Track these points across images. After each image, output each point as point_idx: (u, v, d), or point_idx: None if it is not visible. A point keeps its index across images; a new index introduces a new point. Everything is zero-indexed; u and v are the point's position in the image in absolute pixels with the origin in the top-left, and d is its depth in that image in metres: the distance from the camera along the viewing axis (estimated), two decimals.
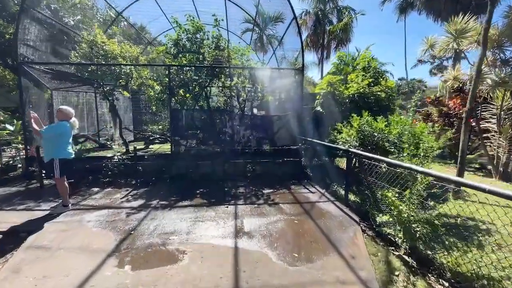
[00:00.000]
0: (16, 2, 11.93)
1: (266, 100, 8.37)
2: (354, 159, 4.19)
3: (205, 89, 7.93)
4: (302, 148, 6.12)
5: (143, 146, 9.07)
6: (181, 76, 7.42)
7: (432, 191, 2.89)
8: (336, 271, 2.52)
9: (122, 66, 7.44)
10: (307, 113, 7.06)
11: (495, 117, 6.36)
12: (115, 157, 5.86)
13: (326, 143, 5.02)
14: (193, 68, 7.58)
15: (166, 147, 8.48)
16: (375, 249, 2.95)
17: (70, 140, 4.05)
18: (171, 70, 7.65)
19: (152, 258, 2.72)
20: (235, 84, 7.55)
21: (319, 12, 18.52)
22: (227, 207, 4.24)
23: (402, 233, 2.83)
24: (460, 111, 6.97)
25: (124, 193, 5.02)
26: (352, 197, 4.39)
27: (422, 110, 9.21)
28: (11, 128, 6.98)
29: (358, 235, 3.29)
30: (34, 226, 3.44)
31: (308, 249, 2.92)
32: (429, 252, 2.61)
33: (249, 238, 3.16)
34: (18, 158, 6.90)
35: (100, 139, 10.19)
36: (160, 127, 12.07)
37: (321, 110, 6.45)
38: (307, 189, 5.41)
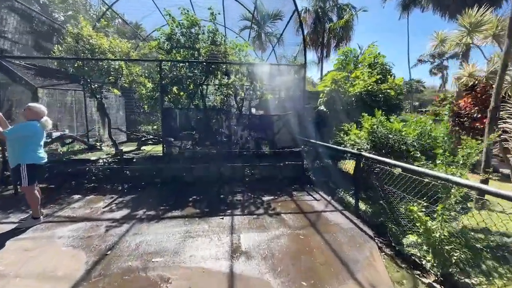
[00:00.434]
0: None
1: (265, 99, 7.88)
2: (365, 164, 3.71)
3: (201, 87, 7.44)
4: (304, 151, 5.65)
5: (134, 148, 8.54)
6: (175, 73, 6.91)
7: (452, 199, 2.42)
8: None
9: (110, 61, 6.92)
10: (309, 112, 6.59)
11: None
12: (100, 160, 5.34)
13: (332, 146, 4.55)
14: (187, 64, 7.09)
15: (159, 149, 7.96)
16: (398, 274, 2.47)
17: (42, 143, 3.53)
18: (164, 67, 7.16)
19: None
20: (233, 82, 7.06)
21: (319, 10, 18.08)
22: (222, 218, 3.75)
23: (431, 255, 2.35)
24: (472, 111, 6.54)
25: (107, 201, 4.50)
26: (363, 206, 3.91)
27: (429, 110, 8.77)
28: None
29: (375, 254, 2.82)
30: None
31: (318, 275, 2.43)
32: (468, 281, 2.13)
33: (247, 260, 2.67)
34: None
35: (90, 140, 9.65)
36: (155, 127, 11.55)
37: (324, 109, 5.99)
38: (311, 195, 4.93)
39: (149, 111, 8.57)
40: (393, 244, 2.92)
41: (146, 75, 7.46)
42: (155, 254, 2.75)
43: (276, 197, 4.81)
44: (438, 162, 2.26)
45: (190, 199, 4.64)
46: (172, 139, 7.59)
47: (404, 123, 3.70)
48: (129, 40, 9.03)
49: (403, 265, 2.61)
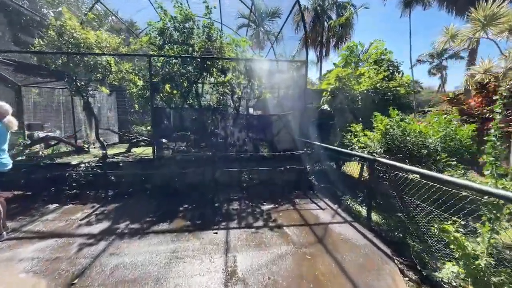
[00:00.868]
0: None
1: (264, 98, 7.42)
2: (379, 171, 3.26)
3: (195, 85, 6.97)
4: (306, 154, 5.20)
5: (124, 150, 8.02)
6: (166, 70, 6.42)
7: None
8: None
9: (97, 57, 6.41)
10: (311, 112, 6.13)
11: None
12: (82, 165, 4.82)
13: (340, 149, 4.09)
14: (180, 60, 6.62)
15: (151, 151, 7.46)
16: None
17: (5, 146, 3.03)
18: (155, 63, 6.69)
19: None
20: (229, 80, 6.60)
21: (318, 8, 17.68)
22: (216, 233, 3.26)
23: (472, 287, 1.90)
24: (484, 111, 6.14)
25: (87, 211, 4.00)
26: (375, 217, 3.46)
27: (430, 110, 8.37)
28: None
29: (397, 280, 2.36)
30: None
31: None
32: None
33: None
34: None
35: (79, 141, 9.10)
36: (148, 127, 11.03)
37: (328, 109, 5.54)
38: (315, 203, 4.46)
39: (140, 110, 8.06)
40: (417, 266, 2.46)
41: (136, 72, 6.95)
42: (133, 283, 2.26)
43: (276, 205, 4.34)
44: (486, 172, 1.83)
45: (181, 208, 4.15)
46: (165, 140, 7.12)
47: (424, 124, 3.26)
48: (118, 35, 8.52)
49: None
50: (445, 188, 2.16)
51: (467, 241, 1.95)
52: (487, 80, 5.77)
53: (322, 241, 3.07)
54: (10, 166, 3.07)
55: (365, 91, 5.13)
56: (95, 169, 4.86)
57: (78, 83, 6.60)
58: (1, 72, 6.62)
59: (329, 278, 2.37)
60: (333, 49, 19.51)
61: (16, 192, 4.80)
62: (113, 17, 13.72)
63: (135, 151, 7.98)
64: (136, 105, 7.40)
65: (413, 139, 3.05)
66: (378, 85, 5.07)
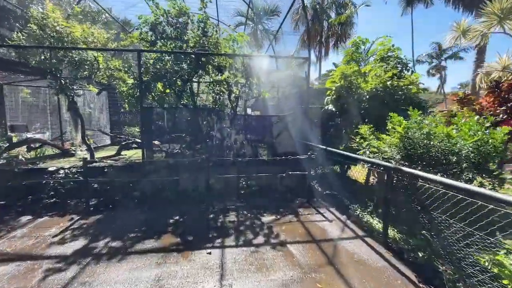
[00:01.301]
0: None
1: (263, 98, 6.98)
2: (399, 181, 2.84)
3: (189, 84, 6.52)
4: (310, 158, 4.76)
5: (114, 153, 7.52)
6: (159, 67, 5.96)
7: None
8: None
9: (82, 53, 5.93)
10: (314, 113, 5.72)
11: None
12: (62, 171, 4.33)
13: (351, 155, 3.66)
14: (173, 57, 6.17)
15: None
16: None
17: None
18: (147, 60, 6.23)
19: None
20: (226, 78, 6.15)
21: (317, 6, 17.33)
22: (210, 253, 2.81)
23: None
24: (497, 111, 5.77)
25: (64, 224, 3.51)
26: (392, 233, 3.03)
27: (437, 111, 7.99)
28: None
29: None
30: None
31: None
32: None
33: None
34: None
35: (67, 143, 8.59)
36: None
37: (333, 109, 5.11)
38: (321, 214, 4.03)
39: (133, 110, 7.57)
40: None
41: (126, 69, 6.47)
42: None
43: (278, 216, 3.89)
44: None
45: (171, 220, 3.69)
46: (158, 142, 6.66)
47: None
48: (107, 30, 8.02)
49: None
50: (492, 206, 1.74)
51: None
52: (505, 78, 5.39)
53: (333, 263, 2.63)
54: None
55: (374, 90, 4.72)
56: (76, 175, 4.37)
57: (62, 81, 6.11)
58: None
59: None
60: (332, 49, 19.18)
61: None
62: (106, 15, 13.22)
63: (125, 154, 7.50)
64: (126, 105, 6.91)
65: (440, 144, 2.63)
66: (388, 83, 4.66)
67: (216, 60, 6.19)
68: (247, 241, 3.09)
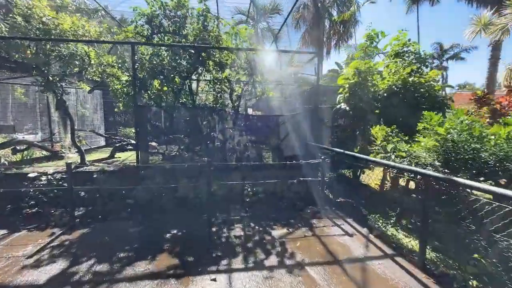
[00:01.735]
0: None
1: (266, 97, 6.53)
2: (446, 193, 2.39)
3: (188, 81, 6.05)
4: (324, 162, 4.28)
5: (107, 155, 7.01)
6: (155, 63, 5.48)
7: None
8: None
9: (71, 46, 5.44)
10: (325, 112, 5.27)
11: None
12: (43, 178, 3.82)
13: (381, 161, 3.18)
14: (171, 52, 5.71)
15: None
16: None
17: None
18: (142, 56, 5.76)
19: None
20: (227, 76, 5.71)
21: (319, 5, 16.93)
22: (215, 279, 2.33)
23: None
24: None
25: (43, 241, 3.02)
26: (430, 253, 2.57)
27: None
28: None
29: None
30: None
31: None
32: None
33: None
34: None
35: (57, 145, 8.07)
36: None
37: (347, 108, 4.66)
38: (338, 226, 3.56)
39: (126, 110, 7.08)
40: None
41: (120, 65, 5.98)
42: None
43: (290, 229, 3.42)
44: None
45: (168, 235, 3.20)
46: (155, 144, 6.18)
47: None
48: (101, 25, 7.52)
49: None
50: None
51: None
52: None
53: None
54: None
55: (393, 87, 4.28)
56: (61, 182, 3.87)
57: (50, 77, 5.60)
58: None
59: None
60: (334, 48, 18.79)
61: None
62: (103, 13, 12.70)
63: (119, 157, 6.99)
64: (120, 104, 6.42)
65: (495, 148, 2.19)
66: (410, 79, 4.22)
67: (217, 55, 5.73)
68: (258, 262, 2.62)
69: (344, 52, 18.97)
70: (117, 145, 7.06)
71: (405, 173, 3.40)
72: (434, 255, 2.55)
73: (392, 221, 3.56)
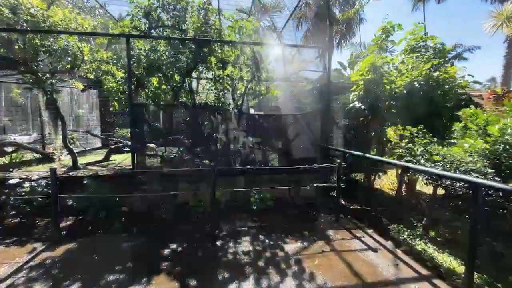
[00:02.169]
0: None
1: (271, 95, 6.15)
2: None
3: (188, 79, 5.67)
4: (340, 166, 3.86)
5: (102, 157, 6.59)
6: (152, 58, 5.10)
7: None
8: None
9: (62, 40, 5.05)
10: (337, 111, 4.89)
11: None
12: (26, 184, 3.40)
13: (421, 168, 2.75)
14: (170, 47, 5.34)
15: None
16: None
17: None
18: (139, 52, 5.40)
19: None
20: (229, 74, 5.33)
21: (321, 2, 16.61)
22: None
23: None
24: None
25: (21, 259, 2.60)
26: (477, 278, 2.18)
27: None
28: None
29: None
30: None
31: None
32: None
33: None
34: None
35: (50, 147, 7.63)
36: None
37: (362, 107, 4.28)
38: (358, 238, 3.17)
39: (124, 110, 6.66)
40: None
41: (115, 61, 5.58)
42: None
43: (305, 243, 3.02)
44: None
45: (167, 251, 2.79)
46: (154, 145, 5.78)
47: None
48: (96, 19, 7.12)
49: None
50: None
51: None
52: None
53: None
54: None
55: (415, 83, 3.90)
56: (46, 189, 3.45)
57: (39, 74, 5.20)
58: None
59: None
60: (336, 48, 18.46)
61: None
62: (100, 10, 12.31)
63: (114, 160, 6.57)
64: (116, 103, 6.01)
65: None
66: (435, 74, 3.84)
67: (219, 52, 5.35)
68: (271, 286, 2.21)
69: (348, 51, 18.60)
70: (113, 147, 6.64)
71: (425, 178, 3.00)
72: (484, 279, 2.15)
73: (418, 232, 3.18)
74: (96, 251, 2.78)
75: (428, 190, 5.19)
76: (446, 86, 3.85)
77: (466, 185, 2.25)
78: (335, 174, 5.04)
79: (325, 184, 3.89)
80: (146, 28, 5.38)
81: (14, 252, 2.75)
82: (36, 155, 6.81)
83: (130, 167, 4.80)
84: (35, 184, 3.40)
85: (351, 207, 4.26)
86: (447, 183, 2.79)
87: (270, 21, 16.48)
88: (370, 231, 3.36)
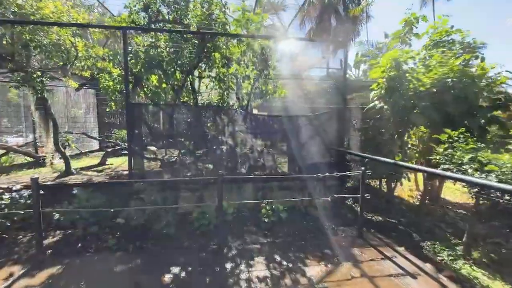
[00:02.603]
0: None
1: (279, 94, 5.74)
2: None
3: (191, 76, 5.27)
4: (365, 174, 3.42)
5: (98, 161, 6.16)
6: (152, 54, 4.69)
7: None
8: None
9: (51, 33, 4.64)
10: (354, 112, 4.47)
11: None
12: (6, 195, 2.98)
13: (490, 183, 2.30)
14: (171, 43, 4.94)
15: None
16: None
17: None
18: (137, 48, 5.02)
19: None
20: (234, 72, 4.93)
21: (326, 1, 16.21)
22: None
23: None
24: None
25: None
26: None
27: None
28: None
29: None
30: None
31: None
32: None
33: None
34: None
35: (43, 149, 7.20)
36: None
37: (384, 107, 3.85)
38: (388, 258, 2.73)
39: (117, 110, 6.24)
40: None
41: (111, 57, 5.15)
42: None
43: (329, 264, 2.59)
44: None
45: (167, 277, 2.36)
46: (154, 148, 5.37)
47: None
48: (91, 13, 6.71)
49: None
50: None
51: None
52: None
53: None
54: None
55: (447, 79, 3.47)
56: (29, 201, 3.02)
57: (29, 70, 4.79)
58: None
59: None
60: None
61: None
62: (100, 9, 11.90)
63: (111, 164, 6.15)
64: (113, 103, 5.58)
65: None
66: (472, 70, 3.42)
67: (224, 48, 4.94)
68: None
69: (353, 50, 18.21)
70: (109, 150, 6.21)
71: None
72: None
73: (459, 252, 2.75)
74: (85, 276, 2.35)
75: (455, 198, 4.77)
76: (482, 84, 3.43)
77: None
78: (349, 180, 4.65)
79: (348, 195, 3.43)
80: (146, 23, 4.99)
81: None
82: (30, 158, 6.40)
83: (127, 171, 4.38)
84: (17, 196, 2.97)
85: (373, 217, 3.83)
86: (496, 194, 2.36)
87: (272, 20, 16.11)
88: (400, 249, 2.92)
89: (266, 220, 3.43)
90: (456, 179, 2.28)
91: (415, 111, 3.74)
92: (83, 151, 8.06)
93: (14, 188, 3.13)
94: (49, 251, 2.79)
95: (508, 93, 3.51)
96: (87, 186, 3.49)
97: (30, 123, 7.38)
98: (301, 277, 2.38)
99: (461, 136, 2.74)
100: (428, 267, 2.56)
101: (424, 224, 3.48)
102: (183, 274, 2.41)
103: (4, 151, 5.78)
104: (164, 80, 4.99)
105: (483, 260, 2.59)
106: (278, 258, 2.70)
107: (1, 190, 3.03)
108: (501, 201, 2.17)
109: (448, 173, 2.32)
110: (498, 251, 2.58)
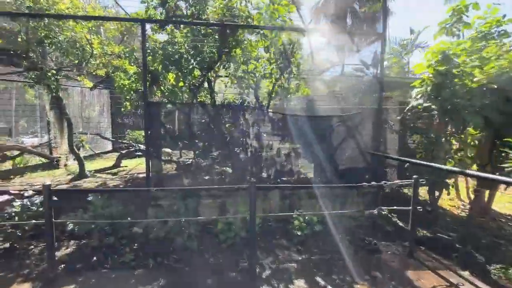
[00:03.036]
0: None
1: (303, 93, 5.36)
2: None
3: (209, 74, 4.97)
4: (417, 183, 2.94)
5: (113, 163, 5.94)
6: (169, 49, 4.39)
7: None
8: None
9: (66, 30, 4.45)
10: (391, 113, 4.02)
11: None
12: (17, 202, 2.72)
13: None
14: (188, 39, 4.65)
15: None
16: None
17: None
18: (153, 44, 4.76)
19: None
20: (253, 68, 4.61)
21: None
22: None
23: None
24: None
25: None
26: None
27: None
28: None
29: None
30: None
31: None
32: None
33: None
34: None
35: (56, 150, 7.08)
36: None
37: (432, 106, 3.39)
38: (453, 284, 2.28)
39: (132, 110, 6.01)
40: None
41: (127, 55, 4.90)
42: None
43: None
44: None
45: None
46: (170, 150, 5.12)
47: None
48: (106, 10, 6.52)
49: None
50: None
51: None
52: None
53: None
54: None
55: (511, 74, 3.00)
56: (41, 208, 2.76)
57: (43, 68, 4.60)
58: None
59: None
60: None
61: None
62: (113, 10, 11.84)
63: (125, 166, 5.91)
64: (128, 103, 5.34)
65: None
66: None
67: (247, 42, 4.63)
68: None
69: (369, 49, 17.53)
70: (124, 151, 5.97)
71: None
72: None
73: None
74: None
75: (503, 209, 4.24)
76: None
77: None
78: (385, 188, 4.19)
79: (397, 207, 3.00)
80: (162, 18, 4.73)
81: None
82: (43, 159, 6.26)
83: (143, 174, 4.09)
84: (28, 203, 2.71)
85: (417, 231, 3.37)
86: None
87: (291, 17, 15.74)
88: (465, 273, 2.46)
89: (299, 233, 3.04)
90: None
91: (466, 111, 3.26)
92: (96, 152, 7.92)
93: (25, 194, 2.88)
94: (62, 265, 2.50)
95: None
96: (101, 190, 3.20)
97: (45, 123, 7.28)
98: None
99: None
100: None
101: (482, 241, 3.01)
102: None
103: (19, 151, 5.64)
104: (181, 79, 4.71)
105: None
106: (321, 281, 2.31)
107: (12, 197, 2.77)
108: None
109: None
110: None
